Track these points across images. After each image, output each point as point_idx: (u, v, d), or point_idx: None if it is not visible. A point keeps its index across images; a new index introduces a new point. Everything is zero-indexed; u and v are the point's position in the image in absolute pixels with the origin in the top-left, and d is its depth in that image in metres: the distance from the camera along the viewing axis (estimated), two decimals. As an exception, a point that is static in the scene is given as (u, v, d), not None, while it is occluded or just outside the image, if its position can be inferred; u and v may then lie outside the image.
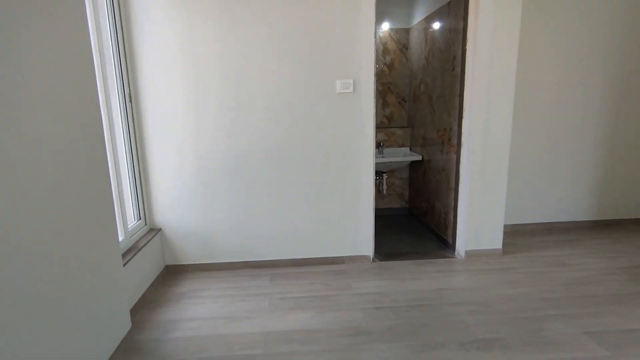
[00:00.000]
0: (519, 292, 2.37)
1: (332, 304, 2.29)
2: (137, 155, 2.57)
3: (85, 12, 1.66)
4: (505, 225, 3.43)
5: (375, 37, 2.60)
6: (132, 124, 2.50)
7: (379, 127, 4.02)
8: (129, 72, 2.47)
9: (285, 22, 2.51)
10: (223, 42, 2.50)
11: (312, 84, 2.61)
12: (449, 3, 2.96)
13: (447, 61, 3.03)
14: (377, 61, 3.79)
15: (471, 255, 2.92)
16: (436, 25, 3.22)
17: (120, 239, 2.18)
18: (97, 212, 1.68)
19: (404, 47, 3.94)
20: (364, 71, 2.63)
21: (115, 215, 1.86)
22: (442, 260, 2.91)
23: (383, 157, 3.81)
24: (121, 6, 2.37)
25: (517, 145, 3.32)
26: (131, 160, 2.50)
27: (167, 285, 2.59)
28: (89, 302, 1.58)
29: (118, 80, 2.35)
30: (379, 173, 4.02)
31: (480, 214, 2.86)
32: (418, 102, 3.77)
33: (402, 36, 3.92)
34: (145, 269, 2.43)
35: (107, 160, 1.79)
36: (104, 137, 1.77)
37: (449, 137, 3.07)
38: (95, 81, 1.72)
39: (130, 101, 2.49)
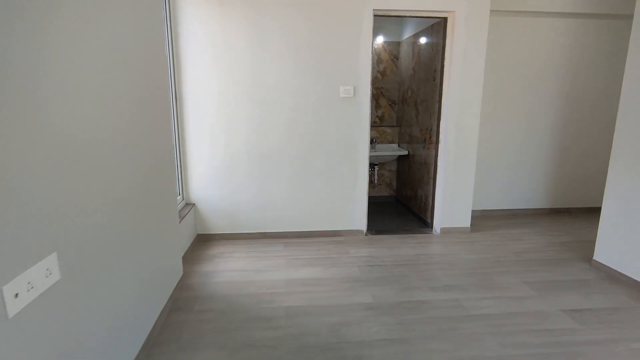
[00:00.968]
0: (479, 257, 3.05)
1: (334, 262, 2.93)
2: (179, 145, 3.17)
3: (164, 28, 2.25)
4: (476, 211, 4.12)
5: (372, 50, 3.24)
6: (176, 119, 3.10)
7: (372, 125, 4.66)
8: (176, 76, 3.07)
9: (299, 39, 3.13)
10: (250, 53, 3.11)
11: (320, 89, 3.23)
12: (432, 25, 3.61)
13: (430, 72, 3.69)
14: (371, 69, 4.44)
15: (445, 231, 3.60)
16: (422, 42, 3.87)
17: (170, 208, 2.78)
18: (164, 180, 2.28)
19: (395, 58, 4.59)
20: (362, 79, 3.27)
21: (175, 183, 2.47)
22: (422, 235, 3.58)
23: (375, 151, 4.46)
24: (172, 22, 2.97)
25: (487, 145, 4.00)
26: (176, 148, 3.10)
27: (200, 248, 3.20)
28: (161, 249, 2.18)
29: (170, 83, 2.94)
30: (371, 165, 4.67)
31: (453, 199, 3.54)
32: (405, 105, 4.42)
33: (393, 48, 4.57)
34: (184, 234, 3.03)
35: (172, 147, 2.39)
36: (171, 124, 2.37)
37: (429, 136, 3.73)
38: (168, 82, 2.31)
39: (176, 100, 3.08)
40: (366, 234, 3.56)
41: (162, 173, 2.19)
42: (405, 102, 4.45)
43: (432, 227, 3.72)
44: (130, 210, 1.71)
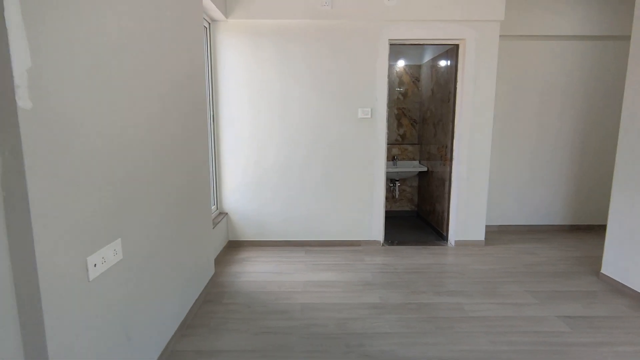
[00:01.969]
0: (489, 267, 3.22)
1: (350, 268, 3.21)
2: (215, 160, 3.62)
3: (204, 64, 2.70)
4: (492, 226, 4.26)
5: (388, 77, 3.57)
6: (213, 136, 3.56)
7: (394, 143, 4.95)
8: (213, 100, 3.54)
9: (322, 65, 3.51)
10: (278, 77, 3.53)
11: (340, 111, 3.58)
12: (447, 51, 3.89)
13: (445, 94, 3.95)
14: (393, 91, 4.76)
15: (459, 244, 3.78)
16: (439, 65, 4.15)
17: (206, 215, 3.19)
18: (201, 190, 2.68)
19: (416, 80, 4.88)
20: (379, 102, 3.59)
21: (210, 194, 2.88)
22: (436, 247, 3.78)
23: (396, 167, 4.72)
24: (211, 50, 3.46)
25: (504, 161, 4.16)
26: (212, 162, 3.54)
27: (230, 253, 3.59)
28: (197, 249, 2.57)
29: (208, 105, 3.41)
30: (392, 181, 4.93)
31: (467, 213, 3.72)
32: (425, 124, 4.68)
33: (414, 71, 4.86)
34: (217, 239, 3.43)
35: (208, 162, 2.81)
36: (208, 142, 2.79)
37: (445, 153, 3.96)
38: (206, 104, 2.75)
39: (213, 120, 3.55)
40: (383, 245, 3.81)
41: (199, 185, 2.60)
42: (425, 121, 4.70)
43: (447, 240, 3.91)
44: (174, 214, 2.11)
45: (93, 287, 1.36)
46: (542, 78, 4.04)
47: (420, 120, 4.88)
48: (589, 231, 4.23)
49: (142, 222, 1.73)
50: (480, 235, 3.77)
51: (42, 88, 1.14)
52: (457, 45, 3.59)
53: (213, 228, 3.18)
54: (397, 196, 5.03)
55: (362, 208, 3.75)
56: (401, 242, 3.91)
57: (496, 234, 4.15)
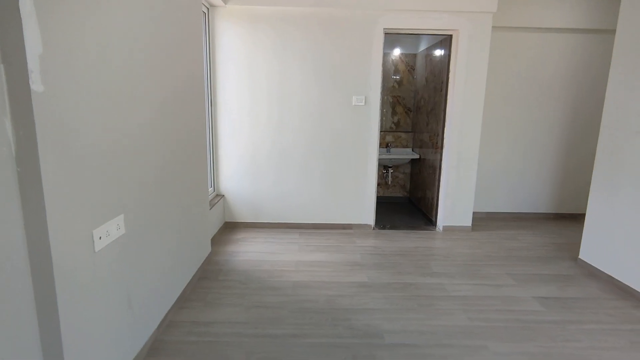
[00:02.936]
0: (473, 252, 3.37)
1: (340, 250, 3.35)
2: (212, 142, 3.71)
3: (202, 49, 2.78)
4: (481, 212, 4.41)
5: (384, 65, 3.65)
6: (211, 120, 3.65)
7: (388, 131, 5.05)
8: (211, 85, 3.61)
9: (318, 53, 3.58)
10: (275, 63, 3.60)
11: (334, 99, 3.67)
12: (441, 40, 3.96)
13: (438, 83, 4.04)
14: (389, 79, 4.83)
15: (447, 229, 3.92)
16: (434, 55, 4.22)
17: (203, 196, 3.30)
18: (198, 173, 2.79)
19: (411, 69, 4.95)
20: (373, 90, 3.68)
21: (207, 176, 2.99)
22: (425, 231, 3.92)
23: (389, 154, 4.83)
24: (210, 39, 3.52)
25: (493, 150, 4.28)
26: (209, 146, 3.64)
27: (226, 233, 3.72)
28: (194, 228, 2.69)
29: (206, 90, 3.48)
30: (385, 167, 5.04)
31: (455, 199, 3.86)
32: (419, 113, 4.77)
33: (410, 59, 4.93)
34: (214, 219, 3.56)
35: (205, 146, 2.91)
36: (205, 127, 2.89)
37: (436, 141, 4.07)
38: (204, 91, 2.83)
39: (211, 104, 3.63)
40: (374, 229, 3.95)
41: (197, 167, 2.70)
42: (419, 109, 4.80)
43: (435, 225, 4.05)
44: (173, 194, 2.22)
45: (98, 257, 1.48)
46: (531, 69, 4.13)
47: (415, 108, 4.98)
48: (572, 219, 4.39)
49: (143, 200, 1.85)
50: (467, 221, 3.92)
51: (53, 73, 1.23)
52: (450, 36, 3.67)
53: (210, 209, 3.29)
54: (389, 182, 5.16)
55: (354, 193, 3.87)
56: (391, 227, 4.05)
57: (484, 220, 4.30)
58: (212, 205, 3.46)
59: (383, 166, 5.03)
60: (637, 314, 2.38)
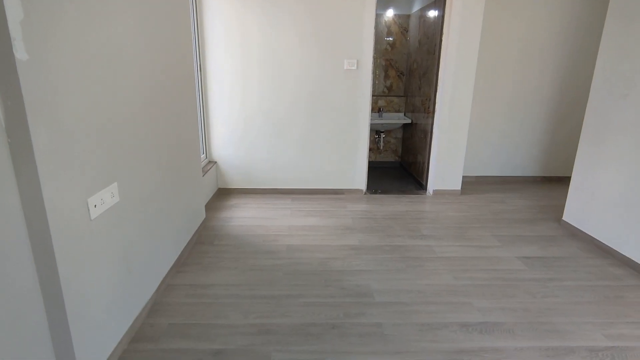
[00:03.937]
0: (461, 214, 3.47)
1: (332, 214, 3.43)
2: (203, 109, 3.67)
3: (190, 13, 2.69)
4: (470, 176, 4.49)
5: (376, 27, 3.56)
6: (200, 86, 3.58)
7: (380, 95, 5.01)
8: (200, 50, 3.52)
9: (307, 17, 3.48)
10: (264, 26, 3.50)
11: (326, 62, 3.61)
12: (435, 1, 3.86)
13: (431, 46, 3.97)
14: (381, 41, 4.73)
15: (437, 193, 4.01)
16: (427, 16, 4.12)
17: (195, 163, 3.31)
18: (190, 140, 2.79)
19: (404, 30, 4.84)
20: (365, 54, 3.61)
21: (199, 143, 2.98)
22: (415, 196, 4.01)
23: (381, 119, 4.82)
24: (197, 5, 3.39)
25: (482, 114, 4.29)
26: (200, 112, 3.60)
27: (220, 200, 3.77)
28: (188, 195, 2.72)
29: (195, 56, 3.40)
30: (377, 132, 5.05)
31: (445, 163, 3.92)
32: (411, 76, 4.72)
33: (403, 21, 4.81)
34: (207, 186, 3.58)
35: (196, 113, 2.88)
36: (195, 93, 2.85)
37: (428, 105, 4.06)
38: (193, 54, 2.77)
39: (200, 70, 3.55)
40: (365, 193, 4.02)
41: (188, 134, 2.69)
42: (411, 73, 4.74)
43: (426, 189, 4.13)
44: (165, 162, 2.23)
45: (94, 225, 1.52)
46: (525, 32, 4.07)
47: (407, 72, 4.91)
48: (559, 182, 4.50)
49: (136, 168, 1.86)
50: (457, 185, 4.00)
51: (37, 40, 1.20)
52: (445, -4, 3.57)
53: (203, 176, 3.31)
54: (381, 147, 5.18)
55: (346, 158, 3.90)
56: (383, 191, 4.12)
57: (473, 184, 4.38)
58: (204, 172, 3.48)
59: (375, 131, 5.03)
60: (614, 271, 2.51)
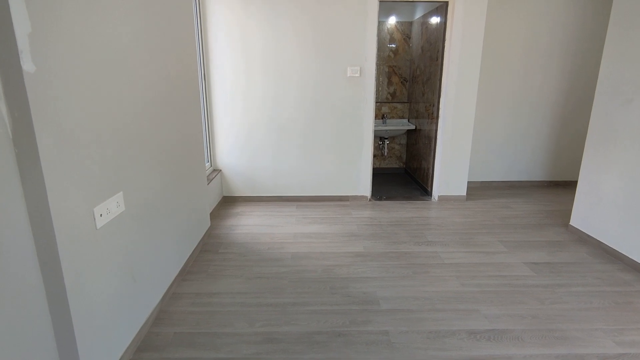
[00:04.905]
0: (467, 220, 3.44)
1: (337, 221, 3.42)
2: (208, 118, 3.69)
3: (193, 22, 2.72)
4: (475, 182, 4.47)
5: (379, 34, 3.58)
6: (205, 95, 3.61)
7: (384, 101, 5.02)
8: (204, 59, 3.55)
9: (310, 25, 3.51)
10: (268, 34, 3.53)
11: (329, 70, 3.63)
12: (437, 8, 3.87)
13: (434, 52, 3.98)
14: (384, 48, 4.75)
15: (442, 199, 3.99)
16: (430, 22, 4.14)
17: (200, 171, 3.32)
18: (195, 149, 2.80)
19: (407, 37, 4.86)
20: (368, 61, 3.63)
21: (204, 151, 3.00)
22: (420, 202, 3.99)
23: (385, 125, 4.82)
24: (201, 12, 3.43)
25: (487, 119, 4.28)
26: (205, 122, 3.62)
27: (225, 208, 3.77)
28: (193, 203, 2.73)
29: (199, 65, 3.43)
30: (382, 139, 5.05)
31: (450, 169, 3.90)
32: (415, 83, 4.73)
33: (405, 28, 4.83)
34: (212, 194, 3.59)
35: (201, 123, 2.90)
36: (200, 103, 2.87)
37: (432, 111, 4.06)
38: (197, 63, 2.80)
39: (204, 79, 3.58)
40: (370, 200, 4.01)
41: (193, 143, 2.71)
42: (415, 79, 4.75)
43: (431, 195, 4.11)
44: (171, 171, 2.24)
45: (100, 234, 1.52)
46: (528, 36, 4.07)
47: (410, 78, 4.92)
48: (565, 187, 4.46)
49: (142, 177, 1.87)
50: (462, 191, 3.98)
51: (44, 52, 1.22)
52: (446, 2, 3.59)
53: (208, 184, 3.33)
54: (386, 154, 5.18)
55: (350, 165, 3.90)
56: (388, 198, 4.11)
57: (478, 189, 4.36)
58: (209, 180, 3.49)
59: (379, 137, 5.03)
60: (623, 277, 2.48)
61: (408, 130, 4.92)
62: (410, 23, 4.80)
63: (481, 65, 3.77)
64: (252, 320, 2.02)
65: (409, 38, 4.86)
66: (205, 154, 3.71)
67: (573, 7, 4.00)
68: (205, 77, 3.60)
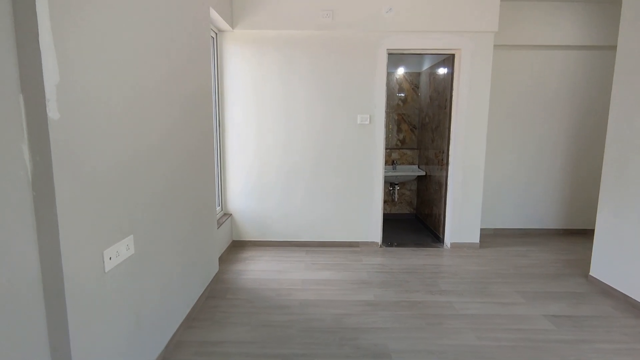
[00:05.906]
0: (481, 269, 3.34)
1: (347, 268, 3.35)
2: (220, 163, 3.78)
3: (211, 72, 2.86)
4: (488, 229, 4.38)
5: (388, 84, 3.71)
6: (219, 141, 3.72)
7: (393, 148, 5.09)
8: (219, 107, 3.70)
9: (323, 73, 3.66)
10: (282, 87, 3.68)
11: (340, 118, 3.73)
12: (444, 59, 4.03)
13: (442, 101, 4.08)
14: (393, 97, 4.90)
15: (455, 246, 3.90)
16: (437, 73, 4.29)
17: (211, 215, 3.34)
18: (206, 193, 2.84)
19: (415, 87, 5.02)
20: (377, 109, 3.73)
21: (215, 196, 3.03)
22: (433, 249, 3.90)
23: (395, 172, 4.85)
24: (218, 62, 3.63)
25: (500, 166, 4.28)
26: (217, 167, 3.70)
27: (234, 252, 3.74)
28: (202, 248, 2.72)
29: (215, 111, 3.57)
30: (392, 185, 5.06)
31: (462, 216, 3.85)
32: (424, 130, 4.81)
33: (414, 78, 5.00)
34: (221, 238, 3.58)
35: (214, 163, 2.97)
36: (214, 149, 2.95)
37: (442, 158, 4.09)
38: (212, 113, 2.91)
39: (219, 125, 3.71)
40: (381, 246, 3.94)
41: (205, 187, 2.75)
42: (423, 127, 4.84)
43: (443, 242, 4.03)
44: (181, 215, 2.27)
45: (108, 277, 1.51)
46: (534, 85, 4.17)
47: (419, 125, 5.02)
48: (582, 235, 4.34)
49: (153, 221, 1.89)
50: (475, 238, 3.89)
51: (68, 101, 1.29)
52: (453, 55, 3.73)
53: (218, 228, 3.33)
54: (396, 199, 5.16)
55: (361, 211, 3.89)
56: (399, 244, 4.04)
57: (492, 237, 4.26)
58: (219, 224, 3.50)
59: (389, 183, 5.04)
60: (651, 333, 2.33)
61: (418, 176, 4.93)
62: (419, 74, 4.98)
63: (489, 112, 3.83)
64: (258, 373, 1.93)
65: (417, 87, 5.01)
66: (217, 197, 3.75)
67: (577, 55, 4.12)
68: (220, 123, 3.73)
